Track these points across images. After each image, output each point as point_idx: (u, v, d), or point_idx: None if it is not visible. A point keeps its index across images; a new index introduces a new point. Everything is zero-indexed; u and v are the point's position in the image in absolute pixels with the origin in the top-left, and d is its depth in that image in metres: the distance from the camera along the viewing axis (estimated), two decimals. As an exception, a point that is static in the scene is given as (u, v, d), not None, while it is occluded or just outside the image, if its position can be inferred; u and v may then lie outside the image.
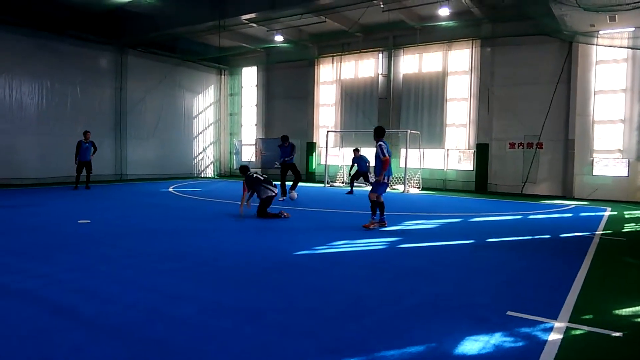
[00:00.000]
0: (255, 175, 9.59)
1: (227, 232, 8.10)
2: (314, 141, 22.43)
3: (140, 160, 21.24)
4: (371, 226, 8.44)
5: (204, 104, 24.62)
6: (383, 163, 8.24)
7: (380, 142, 8.35)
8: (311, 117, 22.43)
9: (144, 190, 15.91)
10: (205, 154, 24.83)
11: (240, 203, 9.86)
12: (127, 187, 17.28)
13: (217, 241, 7.24)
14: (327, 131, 20.68)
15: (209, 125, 25.08)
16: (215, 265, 5.72)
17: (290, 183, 13.20)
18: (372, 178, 8.52)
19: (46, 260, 5.80)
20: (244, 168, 9.98)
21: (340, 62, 21.73)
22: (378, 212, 8.51)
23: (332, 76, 22.04)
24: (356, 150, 16.80)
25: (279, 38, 20.36)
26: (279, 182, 13.17)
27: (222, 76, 25.56)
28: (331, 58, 21.85)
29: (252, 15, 17.27)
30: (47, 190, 14.91)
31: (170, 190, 16.11)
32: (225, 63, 24.75)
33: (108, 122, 20.10)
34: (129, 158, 20.81)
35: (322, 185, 19.73)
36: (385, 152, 8.26)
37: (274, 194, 9.56)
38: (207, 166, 24.81)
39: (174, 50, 21.71)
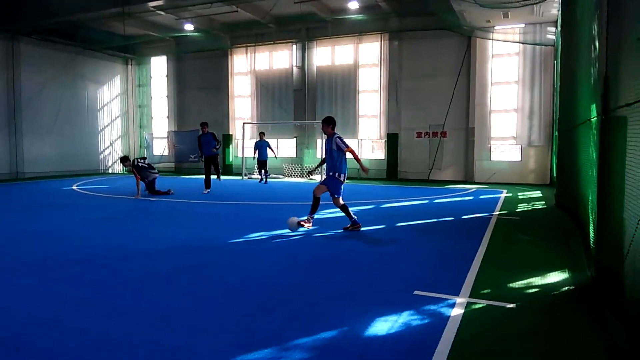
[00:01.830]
0: (141, 164, 12.09)
1: (133, 230, 7.72)
2: (230, 133, 22.03)
3: (40, 157, 19.55)
4: (350, 228, 7.56)
5: (109, 95, 23.13)
6: (352, 154, 7.63)
7: (336, 135, 7.56)
8: (226, 109, 21.98)
9: (44, 189, 14.67)
10: (112, 148, 23.39)
11: (137, 189, 11.94)
12: (24, 186, 15.83)
13: (122, 241, 6.86)
14: (244, 123, 20.41)
15: (116, 118, 23.63)
16: (119, 267, 5.41)
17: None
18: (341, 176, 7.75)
19: None
20: (125, 158, 12.27)
21: (255, 53, 21.45)
22: (354, 216, 7.69)
23: (247, 67, 21.71)
24: (261, 134, 16.78)
25: (188, 27, 19.65)
26: (204, 176, 12.90)
27: (129, 66, 24.15)
28: (245, 49, 21.50)
29: (159, 2, 16.46)
30: None
31: (73, 188, 15.00)
32: (132, 52, 23.39)
33: (0, 116, 18.24)
34: (26, 155, 19.06)
35: (240, 177, 19.47)
36: (344, 144, 7.58)
37: (157, 174, 12.37)
38: (115, 161, 23.39)
39: (75, 38, 20.07)
